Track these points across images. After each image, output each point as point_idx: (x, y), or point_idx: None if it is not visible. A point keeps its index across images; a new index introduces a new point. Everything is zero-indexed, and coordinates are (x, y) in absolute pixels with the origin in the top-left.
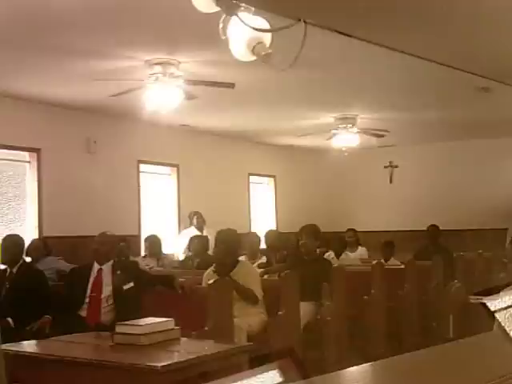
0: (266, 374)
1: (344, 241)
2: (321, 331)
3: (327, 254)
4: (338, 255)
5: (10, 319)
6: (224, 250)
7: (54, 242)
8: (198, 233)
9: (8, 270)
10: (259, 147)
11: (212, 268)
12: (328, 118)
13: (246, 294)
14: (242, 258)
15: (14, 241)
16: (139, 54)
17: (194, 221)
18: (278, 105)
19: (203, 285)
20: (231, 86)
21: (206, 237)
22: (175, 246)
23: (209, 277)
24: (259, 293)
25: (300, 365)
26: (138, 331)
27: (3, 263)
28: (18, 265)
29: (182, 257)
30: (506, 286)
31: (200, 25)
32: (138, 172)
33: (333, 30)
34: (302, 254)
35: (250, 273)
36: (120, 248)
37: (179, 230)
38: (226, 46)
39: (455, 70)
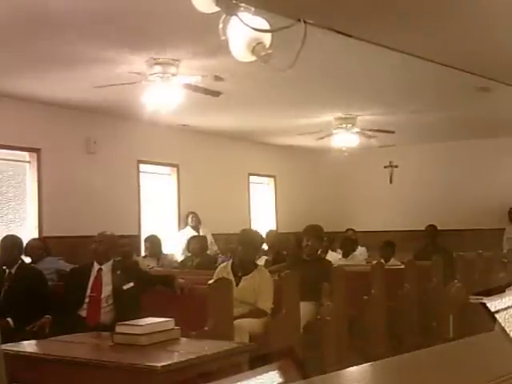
0: (266, 375)
1: (353, 241)
2: (321, 331)
3: (335, 255)
4: (346, 255)
5: (9, 319)
6: (248, 251)
7: (54, 242)
8: (195, 233)
9: (7, 270)
10: (259, 147)
11: (228, 263)
12: (328, 118)
13: (253, 315)
14: None
15: (12, 241)
16: (139, 54)
17: (189, 220)
18: (278, 105)
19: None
20: (216, 94)
21: (205, 237)
22: (173, 246)
23: (223, 273)
24: (268, 306)
25: (300, 365)
26: (138, 331)
27: (2, 264)
28: (17, 265)
29: (180, 257)
30: (507, 286)
31: (200, 25)
32: (138, 172)
33: (333, 30)
34: (303, 255)
35: (265, 280)
36: (124, 248)
37: (179, 230)
38: (226, 46)
39: (455, 69)
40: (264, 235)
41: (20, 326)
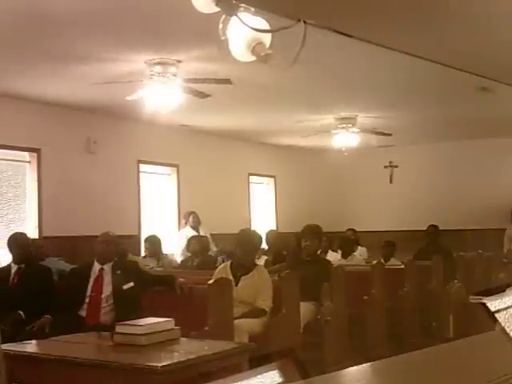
0: (266, 375)
1: (353, 241)
2: (321, 331)
3: (335, 255)
4: (346, 256)
5: (21, 312)
6: (247, 251)
7: (54, 242)
8: (194, 232)
9: (16, 266)
10: (259, 147)
11: (227, 264)
12: (328, 118)
13: (253, 315)
14: None
15: (21, 238)
16: (139, 54)
17: (190, 220)
18: (278, 105)
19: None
20: (228, 82)
21: (206, 237)
22: (173, 245)
23: (223, 273)
24: (268, 305)
25: (300, 365)
26: (138, 331)
27: (15, 260)
28: (27, 261)
29: (180, 257)
30: (507, 286)
31: (200, 25)
32: (138, 172)
33: (333, 30)
34: (303, 255)
35: (264, 279)
36: (120, 247)
37: (178, 230)
38: (226, 47)
39: (455, 70)
40: (264, 235)
41: (28, 320)
